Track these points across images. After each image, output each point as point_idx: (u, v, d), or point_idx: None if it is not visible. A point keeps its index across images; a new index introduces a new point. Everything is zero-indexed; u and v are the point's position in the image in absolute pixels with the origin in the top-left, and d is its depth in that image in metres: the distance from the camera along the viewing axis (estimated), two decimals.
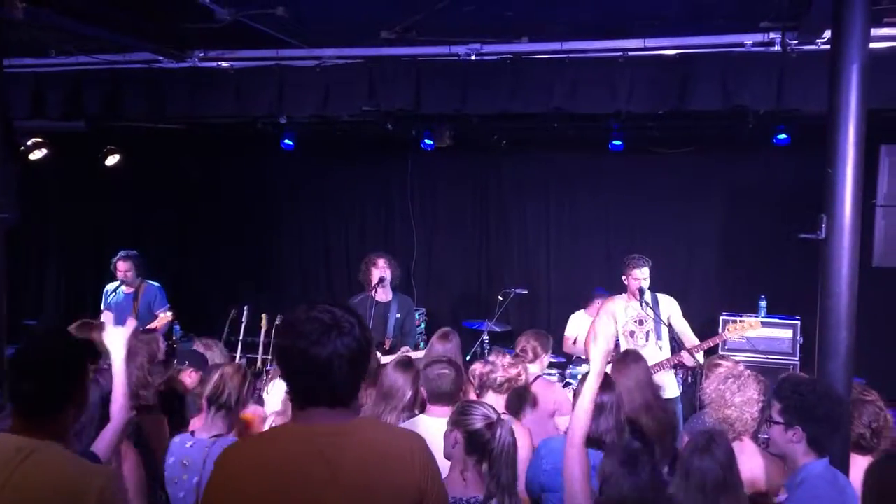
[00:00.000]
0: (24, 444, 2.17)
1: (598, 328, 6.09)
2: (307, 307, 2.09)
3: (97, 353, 2.55)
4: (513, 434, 2.93)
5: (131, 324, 3.39)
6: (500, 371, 4.07)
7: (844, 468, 3.23)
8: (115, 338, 3.26)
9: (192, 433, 3.59)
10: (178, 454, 3.52)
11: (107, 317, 6.87)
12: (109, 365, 3.26)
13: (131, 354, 3.86)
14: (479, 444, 2.86)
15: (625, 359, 4.31)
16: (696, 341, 5.87)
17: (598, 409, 3.49)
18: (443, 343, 5.00)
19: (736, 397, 3.54)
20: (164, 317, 6.79)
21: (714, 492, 2.77)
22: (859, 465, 3.34)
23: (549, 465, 3.48)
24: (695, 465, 2.81)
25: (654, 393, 4.30)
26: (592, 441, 3.48)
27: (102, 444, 3.02)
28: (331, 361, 2.01)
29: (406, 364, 4.19)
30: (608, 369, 4.66)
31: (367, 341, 2.13)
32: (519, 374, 4.14)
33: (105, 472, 2.37)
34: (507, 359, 4.16)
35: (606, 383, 3.61)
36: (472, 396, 4.48)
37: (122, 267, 6.98)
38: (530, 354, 4.88)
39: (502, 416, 3.02)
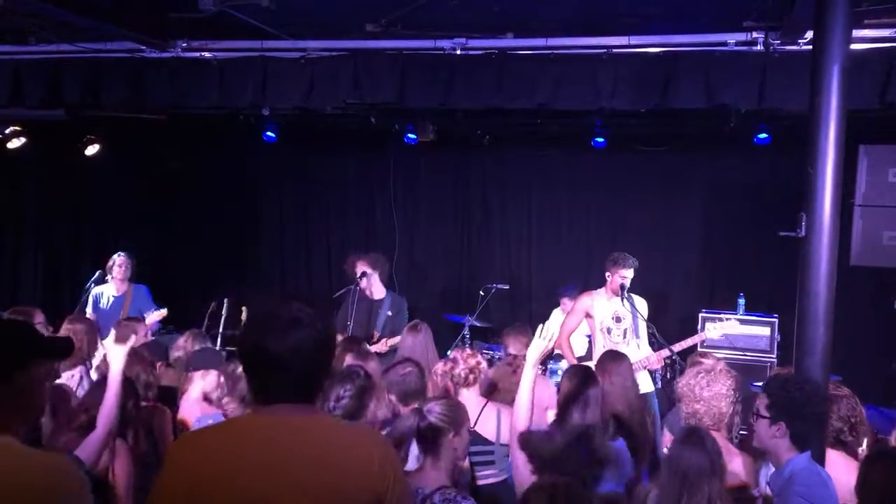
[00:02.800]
0: None
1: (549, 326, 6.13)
2: (267, 302, 2.08)
3: (57, 350, 2.39)
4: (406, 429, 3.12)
5: (142, 331, 3.48)
6: (461, 364, 4.19)
7: (821, 463, 3.27)
8: (117, 352, 3.35)
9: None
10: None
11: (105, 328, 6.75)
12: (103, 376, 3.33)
13: (136, 356, 3.92)
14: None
15: (608, 359, 4.38)
16: (648, 350, 5.92)
17: (584, 403, 3.57)
18: (413, 335, 5.05)
19: (705, 391, 3.58)
20: (158, 314, 6.71)
21: (698, 479, 2.83)
22: (833, 460, 3.39)
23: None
24: (684, 456, 2.88)
25: (637, 391, 4.37)
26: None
27: (87, 450, 3.06)
28: (289, 355, 1.98)
29: (364, 352, 4.29)
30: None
31: (329, 335, 2.10)
32: (479, 363, 4.24)
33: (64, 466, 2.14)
34: (466, 351, 4.29)
35: (590, 378, 3.67)
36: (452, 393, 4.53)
37: (123, 264, 6.95)
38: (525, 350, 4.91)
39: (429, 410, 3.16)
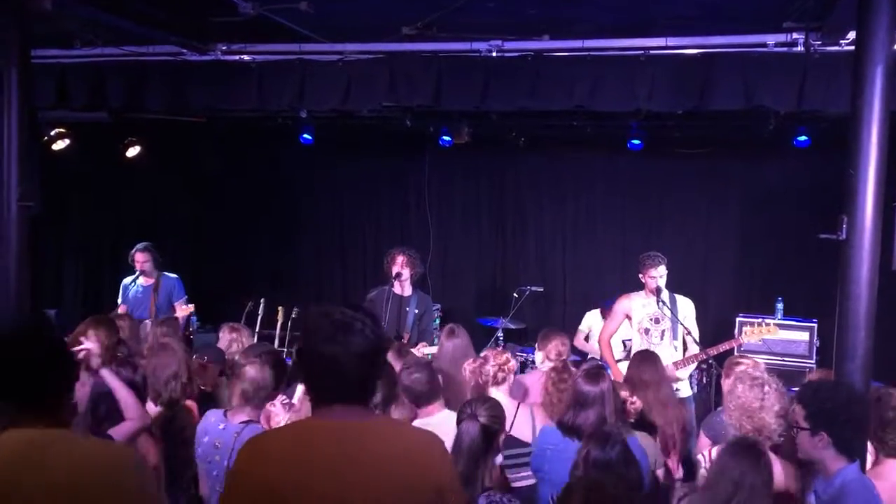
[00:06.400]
0: (36, 435, 2.11)
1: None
2: (320, 307, 2.15)
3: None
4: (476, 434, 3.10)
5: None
6: (491, 361, 4.18)
7: (863, 468, 3.21)
8: None
9: (225, 413, 3.65)
10: (212, 434, 3.56)
11: (123, 310, 6.93)
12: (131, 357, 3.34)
13: (170, 350, 3.97)
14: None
15: (637, 359, 4.39)
16: (696, 349, 5.87)
17: (582, 401, 3.56)
18: (451, 339, 5.04)
19: (755, 403, 3.55)
20: (185, 309, 6.83)
21: (753, 493, 2.86)
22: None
23: (538, 449, 3.72)
24: (740, 467, 2.90)
25: (670, 389, 4.36)
26: (572, 430, 3.55)
27: (121, 433, 3.09)
28: (340, 359, 2.06)
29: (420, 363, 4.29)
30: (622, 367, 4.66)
31: (380, 339, 2.17)
32: (508, 360, 4.23)
33: (128, 448, 2.46)
34: (497, 350, 4.31)
35: (593, 376, 3.66)
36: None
37: (141, 258, 7.03)
38: (566, 354, 4.92)
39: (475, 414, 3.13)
